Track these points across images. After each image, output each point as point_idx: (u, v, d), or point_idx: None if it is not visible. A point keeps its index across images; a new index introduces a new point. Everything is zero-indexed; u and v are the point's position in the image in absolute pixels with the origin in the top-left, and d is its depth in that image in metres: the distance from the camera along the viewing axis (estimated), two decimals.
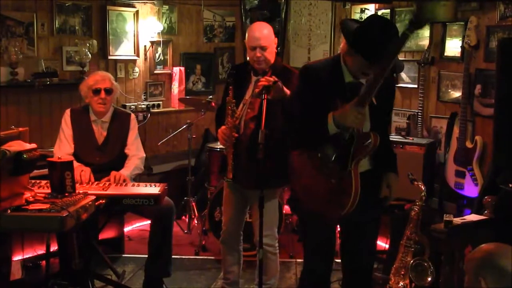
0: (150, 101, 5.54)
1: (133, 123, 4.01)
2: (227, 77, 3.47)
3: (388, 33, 2.54)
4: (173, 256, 3.87)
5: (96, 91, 3.83)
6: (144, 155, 4.05)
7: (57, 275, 3.71)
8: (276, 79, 3.07)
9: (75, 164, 3.65)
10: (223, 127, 3.34)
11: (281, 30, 6.26)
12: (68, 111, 3.95)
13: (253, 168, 3.15)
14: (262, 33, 3.31)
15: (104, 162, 3.84)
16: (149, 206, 3.51)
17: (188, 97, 5.52)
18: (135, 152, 3.96)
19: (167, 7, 5.62)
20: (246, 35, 3.40)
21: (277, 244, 3.53)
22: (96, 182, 3.65)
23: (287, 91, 3.10)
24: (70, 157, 3.55)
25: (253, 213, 3.59)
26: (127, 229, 4.94)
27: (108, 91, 3.86)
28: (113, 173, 3.70)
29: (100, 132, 3.92)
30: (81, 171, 3.66)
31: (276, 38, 3.40)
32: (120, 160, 3.90)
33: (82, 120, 3.91)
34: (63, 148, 3.84)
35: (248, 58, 3.41)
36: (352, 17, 5.36)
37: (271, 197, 3.35)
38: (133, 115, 4.06)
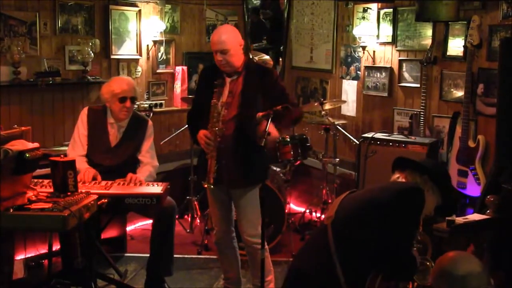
0: (152, 100, 5.53)
1: (150, 131, 3.99)
2: (215, 80, 3.36)
3: None
4: (175, 255, 3.88)
5: (123, 100, 3.81)
6: (158, 164, 4.03)
7: (59, 274, 3.72)
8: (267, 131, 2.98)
9: (84, 168, 3.68)
10: (204, 131, 3.31)
11: (283, 29, 6.26)
12: (85, 110, 3.94)
13: (240, 167, 3.32)
14: (220, 37, 3.28)
15: (113, 165, 3.83)
16: (151, 205, 3.51)
17: (190, 96, 5.50)
18: (150, 160, 3.95)
19: (169, 6, 5.62)
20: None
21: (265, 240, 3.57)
22: (99, 182, 3.65)
23: (276, 133, 3.22)
24: (73, 157, 3.56)
25: (237, 212, 3.58)
26: (129, 228, 4.94)
27: (134, 100, 3.88)
28: (130, 174, 3.70)
29: (115, 135, 3.90)
30: (86, 171, 3.67)
31: (241, 40, 3.36)
32: (129, 164, 3.88)
33: (98, 121, 3.89)
34: (77, 149, 3.84)
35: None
36: (355, 16, 5.36)
37: (257, 194, 3.38)
38: (150, 122, 4.04)
